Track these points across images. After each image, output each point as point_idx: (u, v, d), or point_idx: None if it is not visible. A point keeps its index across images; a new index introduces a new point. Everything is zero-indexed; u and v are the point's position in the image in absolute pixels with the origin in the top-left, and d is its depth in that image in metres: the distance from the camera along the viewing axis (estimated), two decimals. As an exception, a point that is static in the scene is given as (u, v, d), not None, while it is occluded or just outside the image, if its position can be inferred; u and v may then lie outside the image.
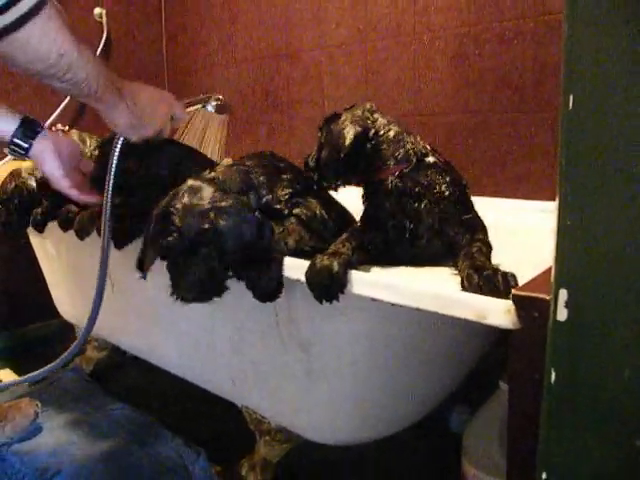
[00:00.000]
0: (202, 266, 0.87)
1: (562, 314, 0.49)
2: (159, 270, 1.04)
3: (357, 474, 1.35)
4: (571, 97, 0.44)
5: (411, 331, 1.00)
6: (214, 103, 1.44)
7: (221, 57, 2.25)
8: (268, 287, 0.91)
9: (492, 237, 1.00)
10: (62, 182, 1.11)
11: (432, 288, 0.70)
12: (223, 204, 0.89)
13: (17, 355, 1.99)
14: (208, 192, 0.90)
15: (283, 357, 1.09)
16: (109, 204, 1.09)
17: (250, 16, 2.12)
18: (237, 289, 0.95)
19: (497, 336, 1.20)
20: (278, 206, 0.96)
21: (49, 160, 1.10)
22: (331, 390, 1.07)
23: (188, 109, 1.28)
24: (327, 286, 0.79)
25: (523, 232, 1.29)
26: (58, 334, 2.00)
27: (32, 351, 2.01)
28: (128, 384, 1.80)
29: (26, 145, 1.09)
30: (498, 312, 0.64)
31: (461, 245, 0.88)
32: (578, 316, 0.47)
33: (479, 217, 0.97)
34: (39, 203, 1.34)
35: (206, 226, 0.87)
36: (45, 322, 2.07)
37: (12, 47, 0.82)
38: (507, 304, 0.63)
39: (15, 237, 1.70)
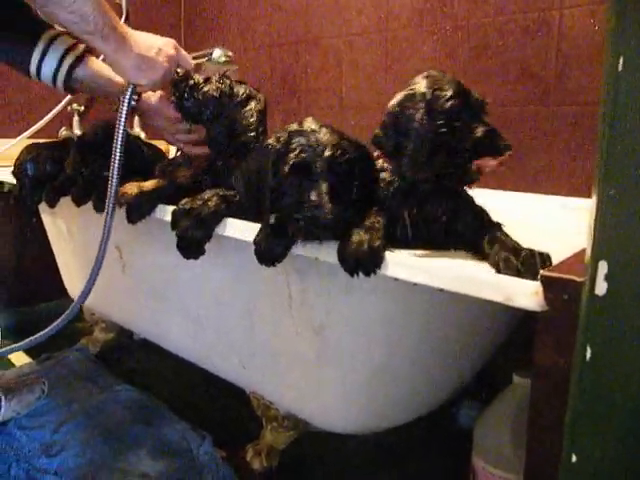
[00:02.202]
0: (339, 188, 0.86)
1: (601, 288, 0.47)
2: (169, 246, 1.03)
3: (363, 466, 1.33)
4: (621, 59, 0.42)
5: (428, 317, 0.98)
6: (220, 54, 1.38)
7: (239, 43, 2.23)
8: (273, 251, 0.89)
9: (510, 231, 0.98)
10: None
11: (460, 270, 0.68)
12: (351, 138, 0.92)
13: (26, 333, 1.98)
14: (327, 128, 0.92)
15: (295, 340, 1.07)
16: (117, 159, 1.06)
17: (269, 2, 2.10)
18: (249, 268, 0.94)
19: (512, 328, 1.19)
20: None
21: None
22: (343, 376, 1.05)
23: (194, 61, 1.25)
24: (365, 259, 0.76)
25: (542, 226, 1.27)
26: (66, 314, 1.99)
27: (41, 330, 2.00)
28: (135, 367, 1.79)
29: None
30: (526, 294, 0.62)
31: (473, 231, 0.87)
32: (618, 289, 0.45)
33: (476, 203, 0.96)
34: (53, 178, 1.33)
35: (340, 152, 0.88)
36: (54, 301, 2.06)
37: None
38: (535, 286, 0.61)
39: (28, 211, 1.69)
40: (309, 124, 0.93)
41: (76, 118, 2.08)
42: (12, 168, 1.40)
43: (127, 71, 1.05)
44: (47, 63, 1.16)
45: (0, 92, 1.97)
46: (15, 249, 2.05)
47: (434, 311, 0.99)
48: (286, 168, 0.88)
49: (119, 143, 1.06)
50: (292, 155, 0.88)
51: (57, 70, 1.18)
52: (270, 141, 0.94)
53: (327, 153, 0.87)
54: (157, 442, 1.34)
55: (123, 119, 1.06)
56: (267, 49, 2.13)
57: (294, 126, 0.94)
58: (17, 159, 1.36)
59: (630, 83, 0.41)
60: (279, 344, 1.12)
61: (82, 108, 2.07)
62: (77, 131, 2.05)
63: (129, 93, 1.07)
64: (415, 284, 0.72)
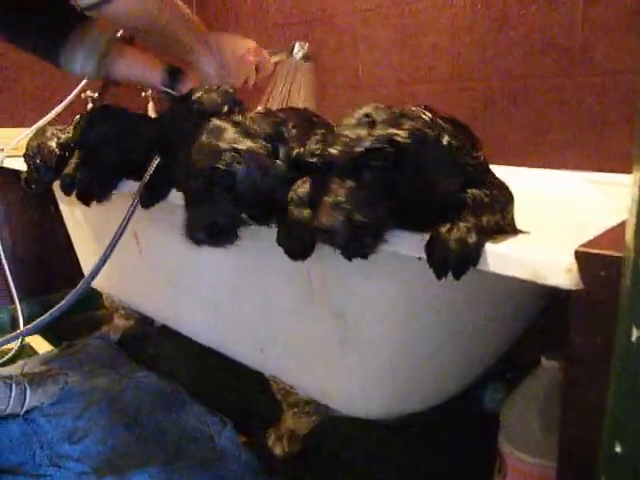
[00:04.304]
0: (215, 207, 0.85)
1: (648, 261, 0.43)
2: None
3: (385, 450, 1.31)
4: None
5: (451, 298, 0.95)
6: (299, 50, 1.40)
7: (252, 23, 2.19)
8: (297, 244, 0.86)
9: (535, 208, 0.94)
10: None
11: (489, 248, 0.65)
12: (242, 147, 0.86)
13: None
14: (229, 133, 0.88)
15: (315, 324, 1.05)
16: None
17: (282, -20, 2.05)
18: (267, 252, 0.91)
19: (541, 307, 1.15)
20: (311, 159, 0.90)
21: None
22: (365, 360, 1.03)
23: (273, 59, 1.29)
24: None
25: (569, 203, 1.22)
26: (87, 302, 2.00)
27: (61, 318, 2.01)
28: (155, 353, 1.79)
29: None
30: (558, 271, 0.58)
31: None
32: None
33: None
34: (62, 164, 1.32)
35: (220, 167, 0.85)
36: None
37: (123, 7, 0.97)
38: (569, 262, 0.57)
39: (39, 196, 1.69)
40: (205, 135, 0.89)
41: (90, 105, 2.06)
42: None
43: (208, 77, 1.14)
44: (81, 53, 1.21)
45: (14, 81, 1.97)
46: (35, 238, 2.05)
47: (457, 292, 0.96)
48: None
49: None
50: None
51: (88, 59, 1.22)
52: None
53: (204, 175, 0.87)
54: (178, 428, 1.33)
55: None
56: (280, 29, 2.08)
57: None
58: (28, 141, 1.37)
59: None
60: (299, 328, 1.10)
61: (96, 95, 2.05)
62: (91, 118, 2.03)
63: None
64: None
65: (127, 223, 1.10)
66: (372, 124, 0.71)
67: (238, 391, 1.50)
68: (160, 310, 1.61)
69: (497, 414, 1.23)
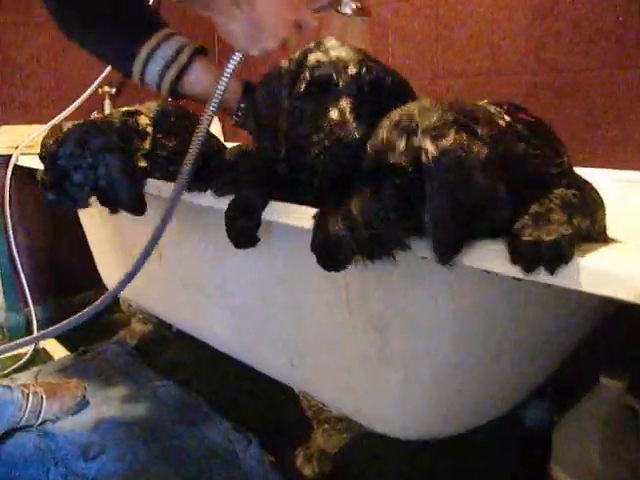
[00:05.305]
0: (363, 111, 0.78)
1: None
2: (209, 234, 0.92)
3: (420, 471, 1.21)
4: None
5: (505, 311, 0.85)
6: (351, 3, 1.21)
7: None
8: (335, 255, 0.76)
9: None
10: None
11: (579, 261, 0.55)
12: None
13: (62, 326, 1.93)
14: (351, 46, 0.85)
15: (352, 338, 0.96)
16: (205, 128, 0.89)
17: (307, -30, 1.96)
18: (298, 255, 0.82)
19: (599, 321, 1.04)
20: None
21: None
22: (406, 377, 0.93)
23: (316, 15, 1.03)
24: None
25: (620, 205, 1.12)
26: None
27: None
28: (173, 360, 1.71)
29: None
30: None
31: None
32: None
33: None
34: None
35: (366, 69, 0.80)
36: (91, 292, 2.00)
37: None
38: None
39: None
40: (329, 41, 0.84)
41: (107, 101, 2.00)
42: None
43: (236, 39, 0.90)
44: (158, 62, 1.06)
45: (29, 76, 1.90)
46: (50, 239, 1.99)
47: (510, 304, 0.86)
48: (302, 86, 0.79)
49: (203, 129, 0.88)
50: (309, 71, 0.79)
51: (164, 72, 1.07)
52: (281, 64, 0.84)
53: (352, 69, 0.79)
54: (200, 445, 1.25)
55: (223, 86, 0.88)
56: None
57: (310, 45, 0.85)
58: (43, 139, 1.28)
59: None
60: (333, 341, 1.01)
61: (113, 91, 1.99)
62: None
63: (234, 62, 0.89)
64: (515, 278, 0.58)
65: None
66: (413, 129, 0.62)
67: (264, 406, 1.41)
68: (180, 317, 1.53)
69: (539, 432, 1.13)
